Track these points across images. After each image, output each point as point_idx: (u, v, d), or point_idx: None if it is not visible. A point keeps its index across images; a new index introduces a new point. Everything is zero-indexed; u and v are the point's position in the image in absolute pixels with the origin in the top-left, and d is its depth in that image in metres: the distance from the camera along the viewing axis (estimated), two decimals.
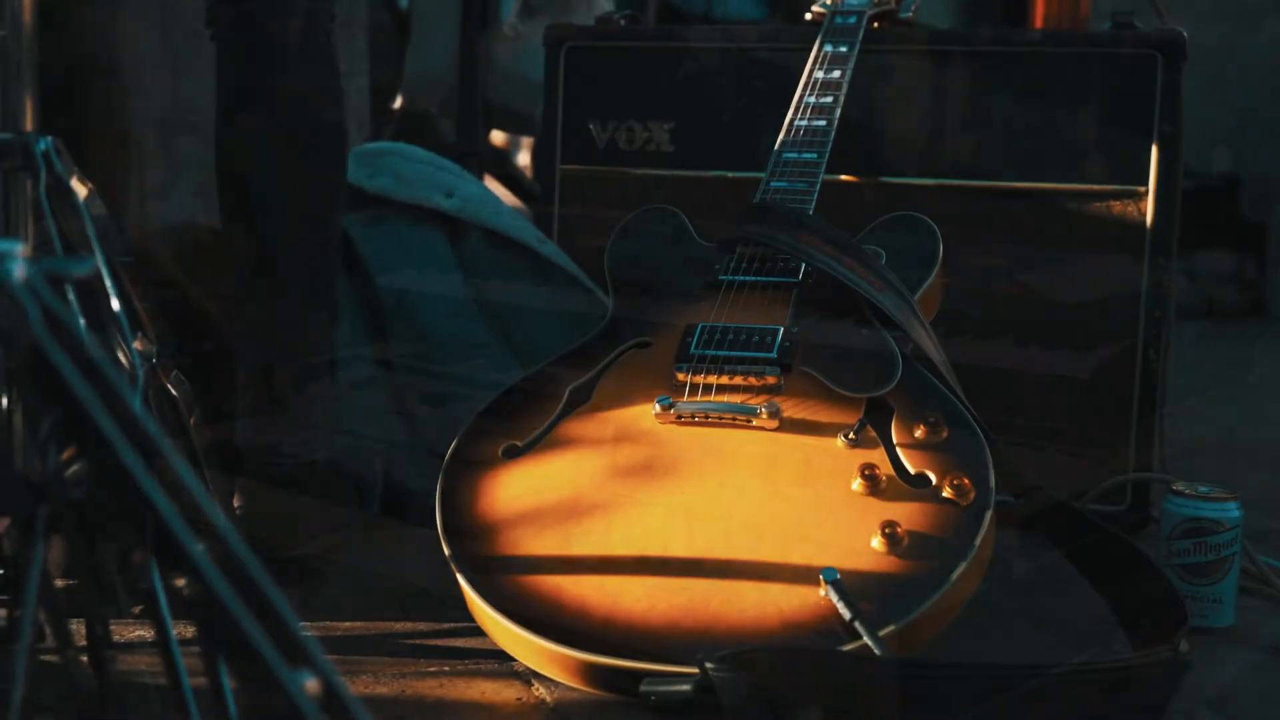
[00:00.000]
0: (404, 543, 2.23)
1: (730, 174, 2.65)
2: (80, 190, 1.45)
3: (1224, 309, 5.40)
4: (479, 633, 1.84)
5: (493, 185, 3.60)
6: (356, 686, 1.78)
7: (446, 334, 2.56)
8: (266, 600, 0.95)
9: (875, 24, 2.62)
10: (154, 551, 1.01)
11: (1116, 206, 2.50)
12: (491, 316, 2.59)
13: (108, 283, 1.42)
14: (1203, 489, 2.06)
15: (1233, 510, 2.03)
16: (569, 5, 3.28)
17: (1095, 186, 2.52)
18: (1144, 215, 2.50)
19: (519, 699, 1.73)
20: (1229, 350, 4.84)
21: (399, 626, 2.00)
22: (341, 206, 2.28)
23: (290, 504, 2.23)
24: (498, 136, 4.62)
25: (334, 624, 2.00)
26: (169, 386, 1.67)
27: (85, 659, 1.45)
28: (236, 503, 2.19)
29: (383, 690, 1.77)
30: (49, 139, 1.47)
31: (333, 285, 2.29)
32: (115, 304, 1.42)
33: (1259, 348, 4.95)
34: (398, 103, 3.62)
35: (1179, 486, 2.07)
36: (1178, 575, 2.03)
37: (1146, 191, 2.49)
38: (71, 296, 1.36)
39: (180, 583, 1.01)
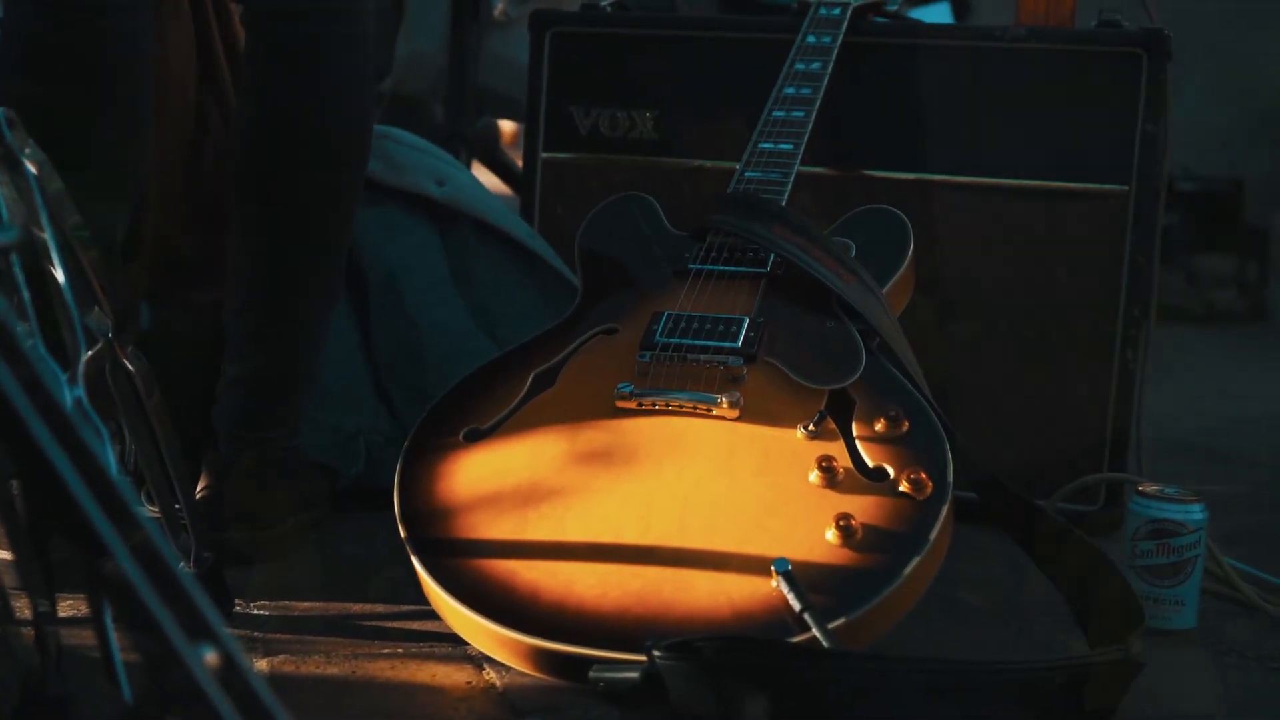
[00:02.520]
0: (376, 526, 2.23)
1: (711, 163, 2.65)
2: (31, 166, 1.45)
3: (1224, 313, 5.38)
4: (434, 616, 1.84)
5: (482, 172, 3.59)
6: (308, 666, 1.77)
7: (432, 321, 2.55)
8: (172, 575, 0.95)
9: (866, 15, 2.61)
10: (72, 530, 1.00)
11: (1098, 205, 2.49)
12: (478, 308, 2.59)
13: (55, 256, 1.41)
14: (1168, 490, 2.05)
15: (1196, 513, 2.02)
16: None
17: (1077, 185, 2.50)
18: (1125, 214, 2.49)
19: (469, 682, 1.73)
20: (1226, 354, 4.83)
21: (356, 608, 1.99)
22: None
23: (263, 484, 2.23)
24: (507, 126, 4.62)
25: (292, 604, 2.00)
26: (125, 362, 1.67)
27: (28, 633, 1.45)
28: (203, 483, 2.18)
29: (334, 670, 1.77)
30: (2, 110, 1.47)
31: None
32: (61, 277, 1.41)
33: (1257, 352, 4.94)
34: (387, 85, 3.61)
35: (1144, 487, 2.06)
36: (1140, 576, 2.02)
37: (1129, 190, 2.48)
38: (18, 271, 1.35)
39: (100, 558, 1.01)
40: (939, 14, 4.40)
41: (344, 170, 2.16)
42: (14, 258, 1.24)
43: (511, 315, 2.59)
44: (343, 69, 2.12)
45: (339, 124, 2.13)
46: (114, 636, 1.17)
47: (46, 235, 1.42)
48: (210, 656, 0.90)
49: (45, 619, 1.44)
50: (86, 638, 1.20)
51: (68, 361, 1.45)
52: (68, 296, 1.42)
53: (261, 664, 1.77)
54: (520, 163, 2.95)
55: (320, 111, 2.12)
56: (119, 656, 1.18)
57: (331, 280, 2.25)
